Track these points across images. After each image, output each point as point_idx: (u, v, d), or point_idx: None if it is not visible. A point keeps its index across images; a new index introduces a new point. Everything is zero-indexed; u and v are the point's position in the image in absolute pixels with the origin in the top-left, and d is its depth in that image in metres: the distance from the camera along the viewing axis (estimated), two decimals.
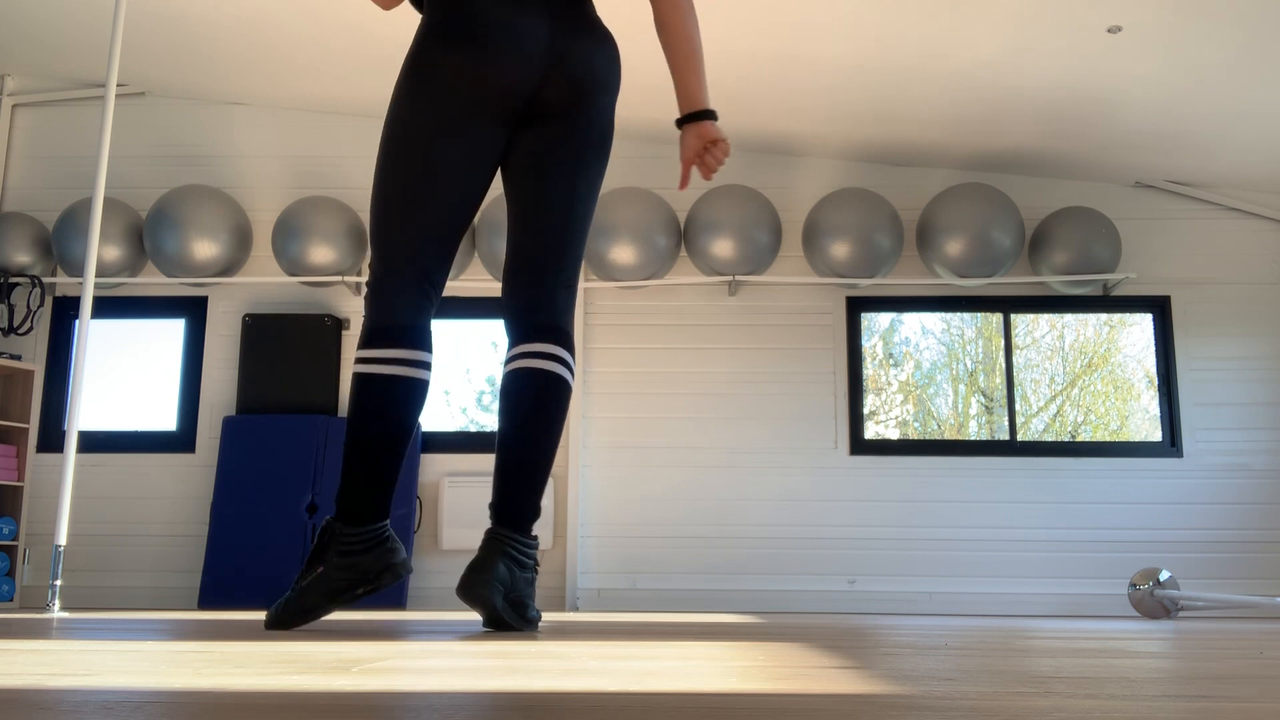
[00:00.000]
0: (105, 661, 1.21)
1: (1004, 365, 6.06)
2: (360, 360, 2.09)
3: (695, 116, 2.19)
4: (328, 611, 2.09)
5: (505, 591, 2.01)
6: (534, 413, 2.11)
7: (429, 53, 2.10)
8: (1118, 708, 0.81)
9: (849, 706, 0.81)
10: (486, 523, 2.12)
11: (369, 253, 2.14)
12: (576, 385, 5.74)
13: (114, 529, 5.71)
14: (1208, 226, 5.94)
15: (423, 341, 2.12)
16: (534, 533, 2.13)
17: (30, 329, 5.88)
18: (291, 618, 2.06)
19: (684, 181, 2.26)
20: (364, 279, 5.88)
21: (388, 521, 2.14)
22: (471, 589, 2.00)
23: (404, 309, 2.10)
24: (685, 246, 5.74)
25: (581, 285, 5.83)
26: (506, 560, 2.03)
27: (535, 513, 2.11)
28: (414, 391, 2.10)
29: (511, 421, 2.11)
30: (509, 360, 2.15)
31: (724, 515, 5.66)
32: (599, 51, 2.16)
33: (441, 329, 6.19)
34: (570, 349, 2.16)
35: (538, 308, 2.16)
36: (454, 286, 5.85)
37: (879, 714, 0.76)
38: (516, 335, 2.16)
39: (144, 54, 5.63)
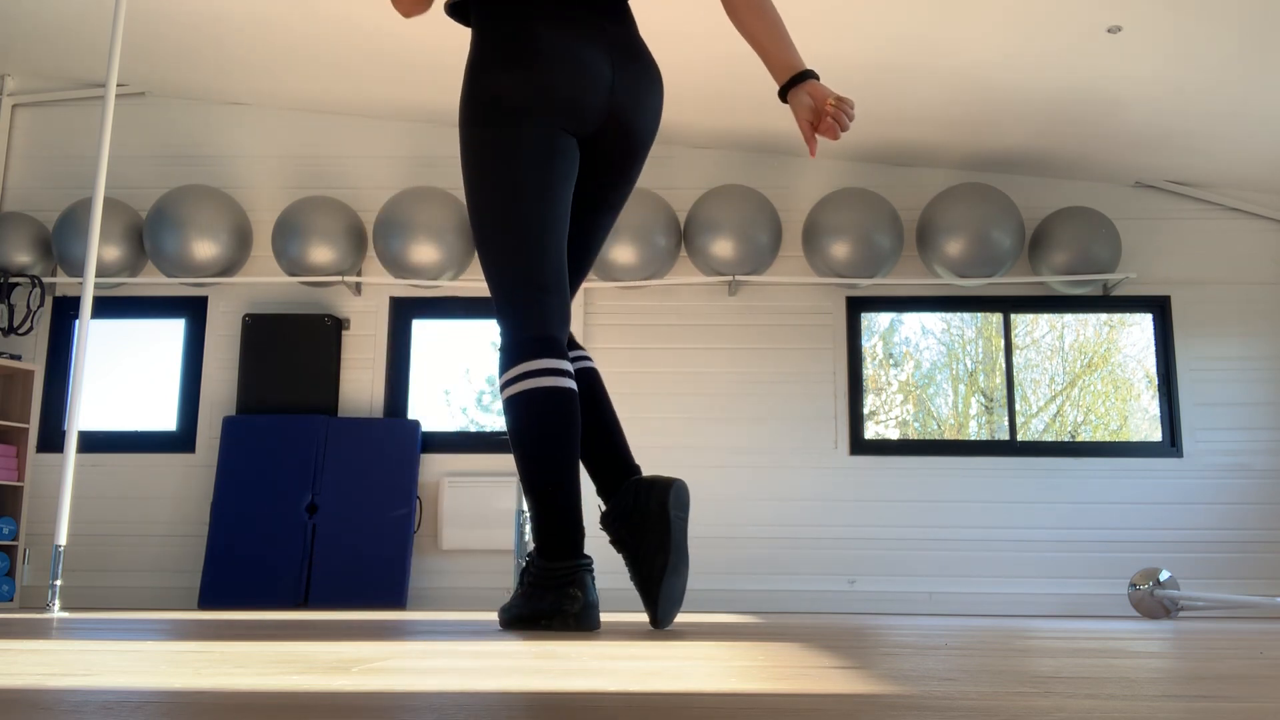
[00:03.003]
0: (105, 661, 1.21)
1: (1004, 365, 6.06)
2: (524, 376, 2.03)
3: (797, 80, 2.08)
4: (524, 628, 2.07)
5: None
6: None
7: (506, 71, 2.05)
8: (1118, 708, 0.81)
9: (849, 706, 0.81)
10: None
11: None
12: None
13: (114, 529, 5.71)
14: (1208, 226, 5.94)
15: (558, 346, 2.11)
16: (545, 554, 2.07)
17: (30, 329, 5.88)
18: (504, 626, 2.12)
19: (813, 148, 2.11)
20: (360, 278, 5.87)
21: (582, 559, 2.04)
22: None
23: (551, 323, 2.08)
24: (685, 246, 5.74)
25: (582, 285, 5.82)
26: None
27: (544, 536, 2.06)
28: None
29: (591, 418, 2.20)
30: (574, 360, 2.20)
31: (724, 515, 5.66)
32: (653, 94, 2.19)
33: (441, 329, 6.18)
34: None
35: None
36: (453, 286, 5.85)
37: (879, 714, 0.76)
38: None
39: (144, 54, 5.63)
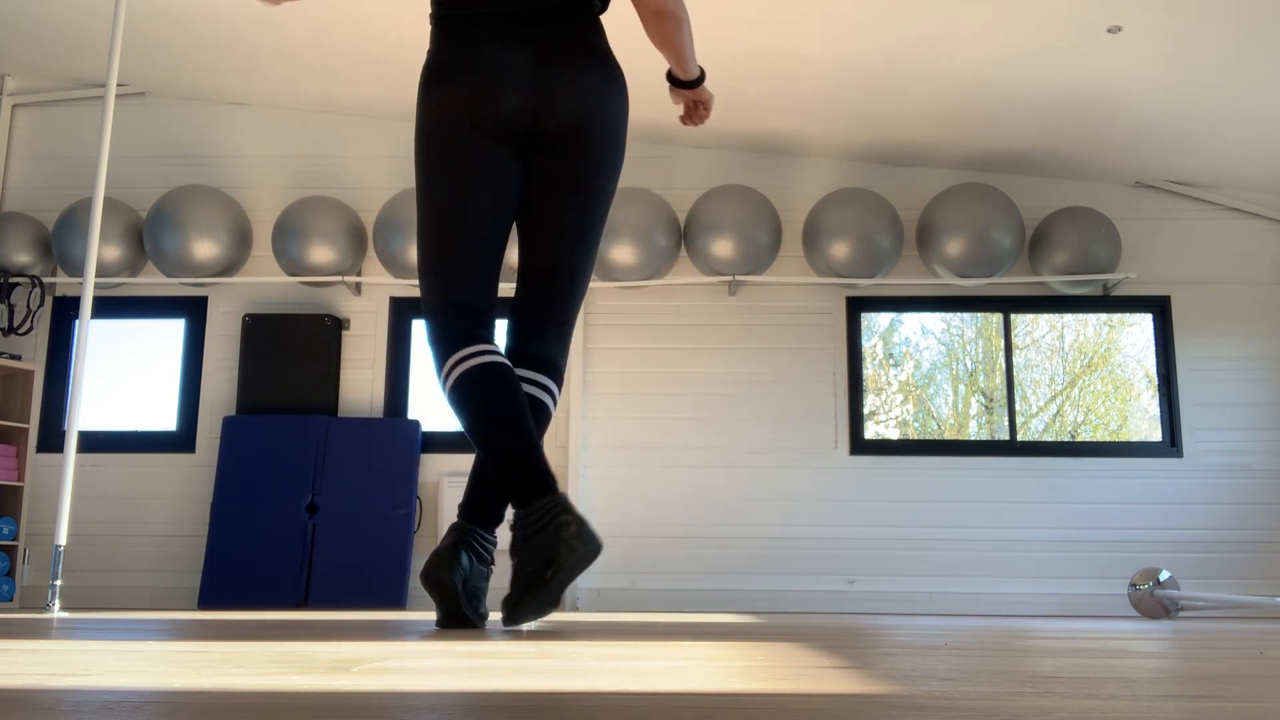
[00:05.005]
0: (105, 661, 1.21)
1: (1004, 365, 6.06)
2: (450, 369, 2.18)
3: (687, 85, 2.47)
4: (539, 605, 2.03)
5: (465, 580, 2.15)
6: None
7: (430, 90, 2.24)
8: (1118, 708, 0.81)
9: (849, 706, 0.81)
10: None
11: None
12: (577, 385, 5.74)
13: (114, 529, 5.71)
14: (1208, 226, 5.94)
15: (482, 339, 2.23)
16: (495, 533, 2.27)
17: (30, 329, 5.88)
18: (514, 615, 2.06)
19: (689, 124, 2.57)
20: (360, 278, 5.87)
21: (556, 494, 2.06)
22: (433, 574, 2.13)
23: (462, 322, 2.22)
24: (685, 246, 5.74)
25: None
26: (469, 551, 2.17)
27: (501, 515, 2.26)
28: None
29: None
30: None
31: (724, 515, 5.66)
32: (589, 81, 2.20)
33: None
34: (559, 382, 2.34)
35: (537, 341, 2.32)
36: None
37: (879, 714, 0.76)
38: (512, 359, 2.31)
39: (144, 54, 5.63)
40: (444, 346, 2.20)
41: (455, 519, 2.25)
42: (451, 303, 2.22)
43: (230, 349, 5.90)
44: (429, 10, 2.27)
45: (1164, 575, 4.57)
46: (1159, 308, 5.90)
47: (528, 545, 2.03)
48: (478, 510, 2.23)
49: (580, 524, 2.01)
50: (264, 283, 5.92)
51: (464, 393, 2.15)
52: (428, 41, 2.31)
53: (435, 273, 2.23)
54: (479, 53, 2.18)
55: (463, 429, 2.19)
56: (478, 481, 2.25)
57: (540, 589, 2.00)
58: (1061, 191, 5.95)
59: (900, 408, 8.97)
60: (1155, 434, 5.86)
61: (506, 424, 2.11)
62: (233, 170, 6.09)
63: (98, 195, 4.23)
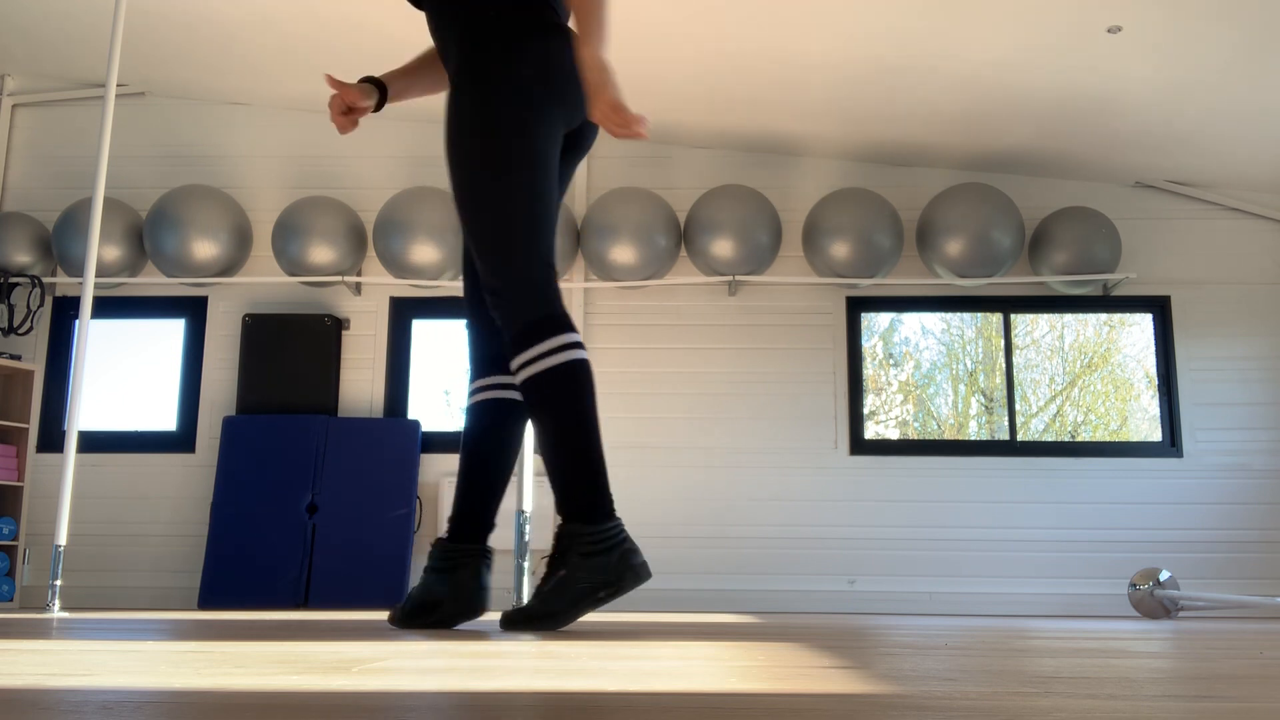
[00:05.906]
0: (105, 661, 1.21)
1: (1004, 365, 6.05)
2: (573, 345, 2.11)
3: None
4: (574, 618, 2.02)
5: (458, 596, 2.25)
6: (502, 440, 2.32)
7: (553, 83, 2.16)
8: (1118, 708, 0.81)
9: (849, 706, 0.81)
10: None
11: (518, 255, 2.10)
12: None
13: (114, 529, 5.71)
14: (1208, 226, 5.94)
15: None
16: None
17: (30, 329, 5.88)
18: (538, 623, 2.02)
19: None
20: (360, 278, 5.87)
21: (618, 518, 2.09)
22: (419, 621, 2.19)
23: (559, 297, 2.19)
24: (685, 246, 5.74)
25: (581, 285, 5.82)
26: (466, 571, 2.25)
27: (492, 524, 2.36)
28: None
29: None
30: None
31: (724, 515, 5.66)
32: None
33: (441, 329, 6.18)
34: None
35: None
36: (453, 286, 5.84)
37: (879, 714, 0.76)
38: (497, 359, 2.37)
39: (144, 54, 5.64)
40: (555, 314, 2.11)
41: (443, 539, 2.24)
42: (553, 269, 2.17)
43: (230, 349, 5.90)
44: (526, 6, 2.17)
45: (1164, 575, 4.57)
46: (1159, 308, 5.90)
47: (588, 561, 2.01)
48: (472, 525, 2.25)
49: (644, 560, 2.06)
50: (264, 283, 5.92)
51: (572, 383, 2.08)
52: (526, 38, 2.15)
53: (536, 237, 2.12)
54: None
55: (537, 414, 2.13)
56: (468, 495, 2.25)
57: (570, 605, 2.00)
58: (1061, 191, 5.95)
59: (900, 408, 8.97)
60: (1155, 434, 5.86)
61: (595, 432, 2.09)
62: (233, 170, 6.09)
63: (98, 195, 4.23)
